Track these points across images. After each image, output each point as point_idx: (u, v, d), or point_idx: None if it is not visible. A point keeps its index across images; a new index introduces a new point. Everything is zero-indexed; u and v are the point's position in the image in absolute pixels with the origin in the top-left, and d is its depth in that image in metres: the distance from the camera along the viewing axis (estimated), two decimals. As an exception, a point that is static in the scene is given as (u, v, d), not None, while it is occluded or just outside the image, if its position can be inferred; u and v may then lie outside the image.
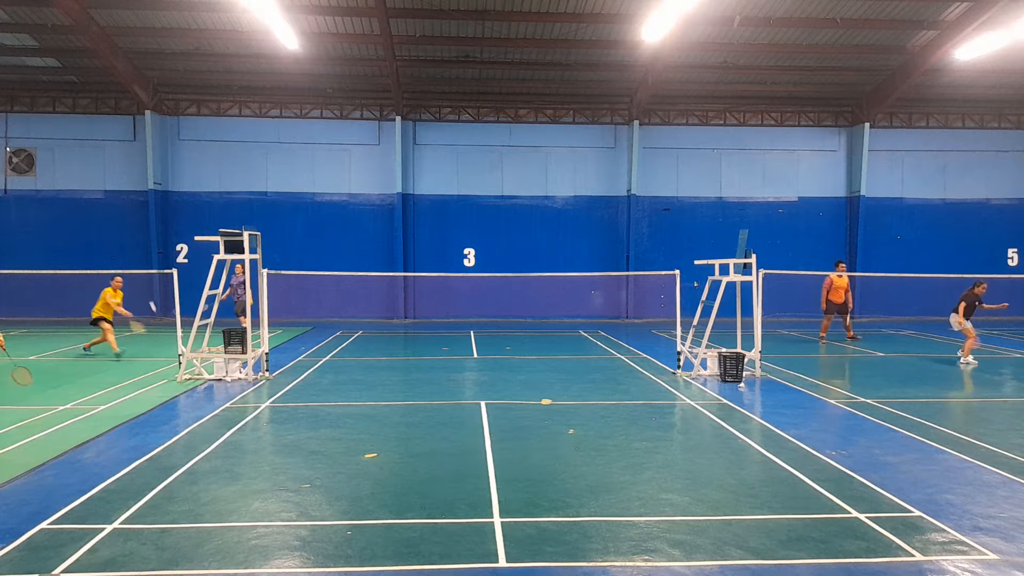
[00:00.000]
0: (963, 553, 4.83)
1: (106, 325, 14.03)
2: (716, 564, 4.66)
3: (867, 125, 22.52)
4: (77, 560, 4.67)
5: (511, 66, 20.70)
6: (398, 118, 21.87)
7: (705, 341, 12.09)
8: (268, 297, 12.07)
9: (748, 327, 12.26)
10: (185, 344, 11.46)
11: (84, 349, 14.44)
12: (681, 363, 12.24)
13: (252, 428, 8.36)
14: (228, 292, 17.04)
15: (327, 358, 14.03)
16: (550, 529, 5.23)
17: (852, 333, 17.43)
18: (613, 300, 23.05)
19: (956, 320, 13.45)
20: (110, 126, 21.76)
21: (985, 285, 13.67)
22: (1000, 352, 15.20)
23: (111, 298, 14.13)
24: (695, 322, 12.20)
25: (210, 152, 22.10)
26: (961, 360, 13.34)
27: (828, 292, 17.03)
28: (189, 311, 12.82)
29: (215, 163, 22.09)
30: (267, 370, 11.75)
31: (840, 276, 17.06)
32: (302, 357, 14.09)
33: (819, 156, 23.35)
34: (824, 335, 17.17)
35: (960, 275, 21.05)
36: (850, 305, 17.32)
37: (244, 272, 17.05)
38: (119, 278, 14.46)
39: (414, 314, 22.60)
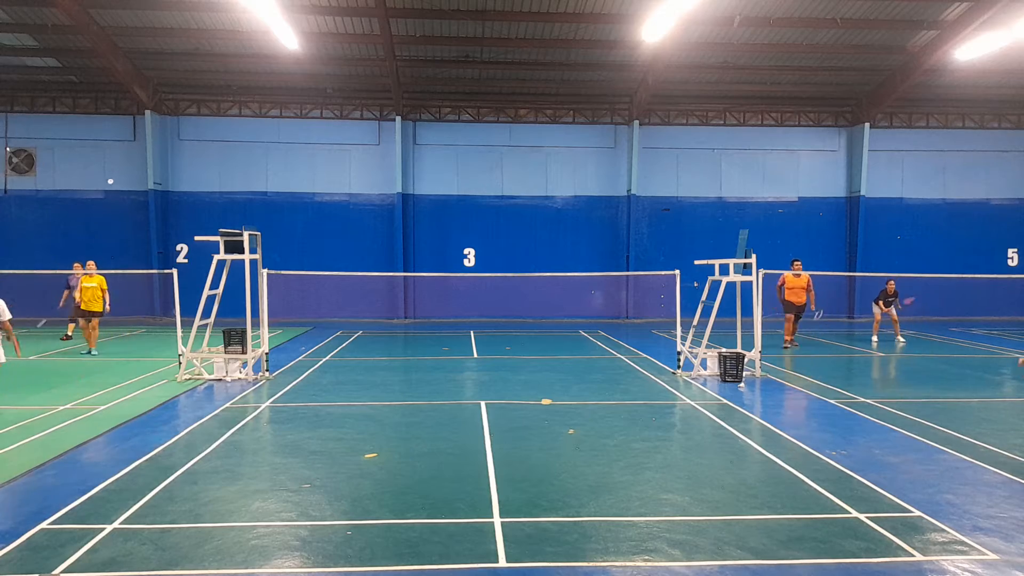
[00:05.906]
0: (963, 553, 4.83)
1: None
2: (716, 564, 4.65)
3: (867, 125, 22.51)
4: (77, 560, 4.66)
5: (511, 66, 20.69)
6: (398, 118, 21.85)
7: (705, 341, 12.08)
8: (268, 297, 12.07)
9: (748, 327, 12.26)
10: (185, 344, 11.47)
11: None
12: (681, 363, 12.23)
13: (252, 428, 8.35)
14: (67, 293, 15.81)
15: (327, 358, 14.03)
16: (550, 529, 5.22)
17: (791, 338, 15.72)
18: (613, 300, 23.04)
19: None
20: (110, 126, 21.75)
21: (892, 283, 16.82)
22: (1000, 352, 15.18)
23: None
24: (695, 322, 12.20)
25: (210, 152, 22.09)
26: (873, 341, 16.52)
27: (781, 290, 15.62)
28: (189, 311, 12.80)
29: (215, 163, 22.08)
30: (267, 370, 11.74)
31: (797, 275, 15.66)
32: (302, 357, 14.08)
33: (819, 156, 23.33)
34: (789, 339, 15.73)
35: (960, 275, 21.07)
36: (812, 307, 15.90)
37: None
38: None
39: (414, 314, 22.59)
